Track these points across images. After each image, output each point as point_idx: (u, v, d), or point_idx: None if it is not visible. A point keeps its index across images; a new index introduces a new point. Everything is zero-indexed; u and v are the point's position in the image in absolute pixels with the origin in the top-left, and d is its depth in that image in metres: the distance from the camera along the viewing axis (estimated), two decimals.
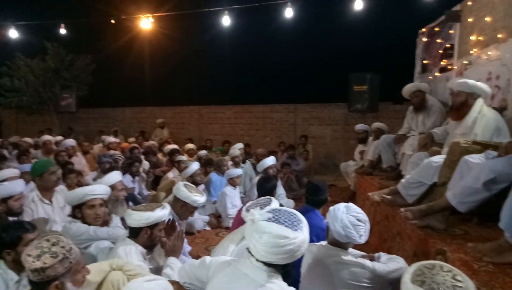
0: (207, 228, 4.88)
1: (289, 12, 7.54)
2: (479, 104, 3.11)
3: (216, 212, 5.10)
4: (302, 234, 1.58)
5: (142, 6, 9.25)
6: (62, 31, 8.84)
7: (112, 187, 3.58)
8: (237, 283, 1.62)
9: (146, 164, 6.33)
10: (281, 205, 4.98)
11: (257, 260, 1.59)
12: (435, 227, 2.64)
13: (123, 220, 3.87)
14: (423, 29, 7.22)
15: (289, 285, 1.64)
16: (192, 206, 3.35)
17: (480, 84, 3.16)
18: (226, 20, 7.92)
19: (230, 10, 7.84)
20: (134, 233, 2.51)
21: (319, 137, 10.55)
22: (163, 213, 2.55)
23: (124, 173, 5.08)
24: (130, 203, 4.94)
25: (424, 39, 7.22)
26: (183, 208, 3.34)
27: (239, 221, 3.16)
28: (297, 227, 1.58)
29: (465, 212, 2.59)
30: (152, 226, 2.51)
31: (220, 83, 11.66)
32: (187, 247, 3.62)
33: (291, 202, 5.57)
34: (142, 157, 6.55)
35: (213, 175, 5.62)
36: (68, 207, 3.15)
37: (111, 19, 8.70)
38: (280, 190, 5.71)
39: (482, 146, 2.66)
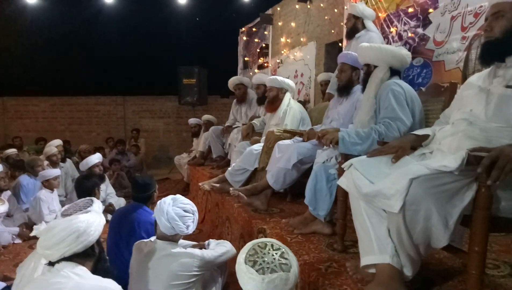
0: (17, 241, 4.13)
1: None
2: (287, 98, 3.59)
3: (29, 221, 4.36)
4: (89, 213, 1.71)
5: None
6: None
7: None
8: None
9: None
10: (110, 204, 4.71)
11: (58, 261, 1.56)
12: (258, 208, 2.93)
13: None
14: (243, 28, 7.84)
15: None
16: None
17: (287, 80, 3.64)
18: None
19: None
20: None
21: (152, 131, 10.29)
22: None
23: None
24: None
25: (244, 38, 7.86)
26: None
27: None
28: (85, 211, 1.69)
29: (280, 190, 2.98)
30: None
31: (32, 70, 9.88)
32: None
33: (122, 200, 5.26)
34: None
35: (24, 178, 4.78)
36: None
37: None
38: (109, 189, 5.33)
39: (291, 134, 3.09)
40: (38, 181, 4.66)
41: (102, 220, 1.74)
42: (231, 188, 3.10)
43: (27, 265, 2.13)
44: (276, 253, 1.49)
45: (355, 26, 3.42)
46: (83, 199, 2.02)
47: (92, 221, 1.64)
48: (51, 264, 1.58)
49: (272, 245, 1.53)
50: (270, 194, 2.97)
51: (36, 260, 2.10)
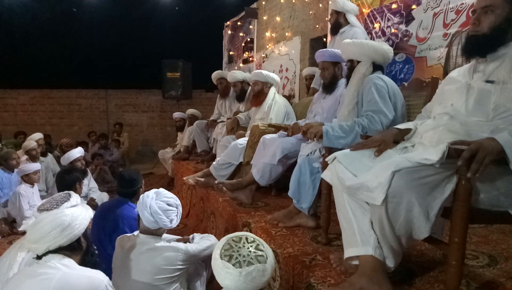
0: None
1: None
2: (272, 92, 3.59)
3: (9, 216, 4.26)
4: (76, 207, 1.68)
5: None
6: None
7: None
8: (31, 280, 1.50)
9: None
10: (93, 199, 4.64)
11: (46, 253, 1.55)
12: (243, 202, 2.93)
13: None
14: (228, 22, 7.78)
15: None
16: None
17: (272, 75, 3.63)
18: None
19: None
20: None
21: (135, 125, 10.16)
22: None
23: None
24: None
25: (229, 32, 7.80)
26: None
27: None
28: (66, 205, 1.65)
29: (266, 185, 2.98)
30: None
31: (10, 62, 9.58)
32: None
33: (105, 195, 5.18)
34: None
35: None
36: None
37: None
38: (92, 183, 5.25)
39: (275, 128, 3.10)
40: (13, 175, 4.56)
41: (89, 214, 1.73)
42: (216, 180, 3.10)
43: (2, 264, 2.08)
44: (251, 246, 1.50)
45: (338, 21, 3.44)
46: (60, 193, 1.97)
47: (77, 215, 1.64)
48: (38, 258, 1.58)
49: (246, 238, 1.53)
50: (255, 188, 2.97)
51: (12, 258, 2.05)
